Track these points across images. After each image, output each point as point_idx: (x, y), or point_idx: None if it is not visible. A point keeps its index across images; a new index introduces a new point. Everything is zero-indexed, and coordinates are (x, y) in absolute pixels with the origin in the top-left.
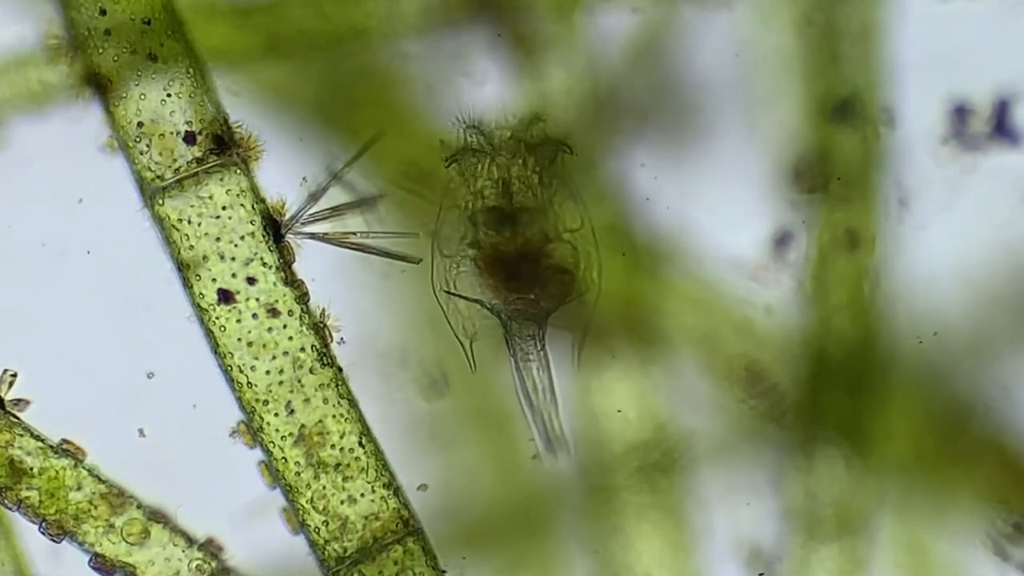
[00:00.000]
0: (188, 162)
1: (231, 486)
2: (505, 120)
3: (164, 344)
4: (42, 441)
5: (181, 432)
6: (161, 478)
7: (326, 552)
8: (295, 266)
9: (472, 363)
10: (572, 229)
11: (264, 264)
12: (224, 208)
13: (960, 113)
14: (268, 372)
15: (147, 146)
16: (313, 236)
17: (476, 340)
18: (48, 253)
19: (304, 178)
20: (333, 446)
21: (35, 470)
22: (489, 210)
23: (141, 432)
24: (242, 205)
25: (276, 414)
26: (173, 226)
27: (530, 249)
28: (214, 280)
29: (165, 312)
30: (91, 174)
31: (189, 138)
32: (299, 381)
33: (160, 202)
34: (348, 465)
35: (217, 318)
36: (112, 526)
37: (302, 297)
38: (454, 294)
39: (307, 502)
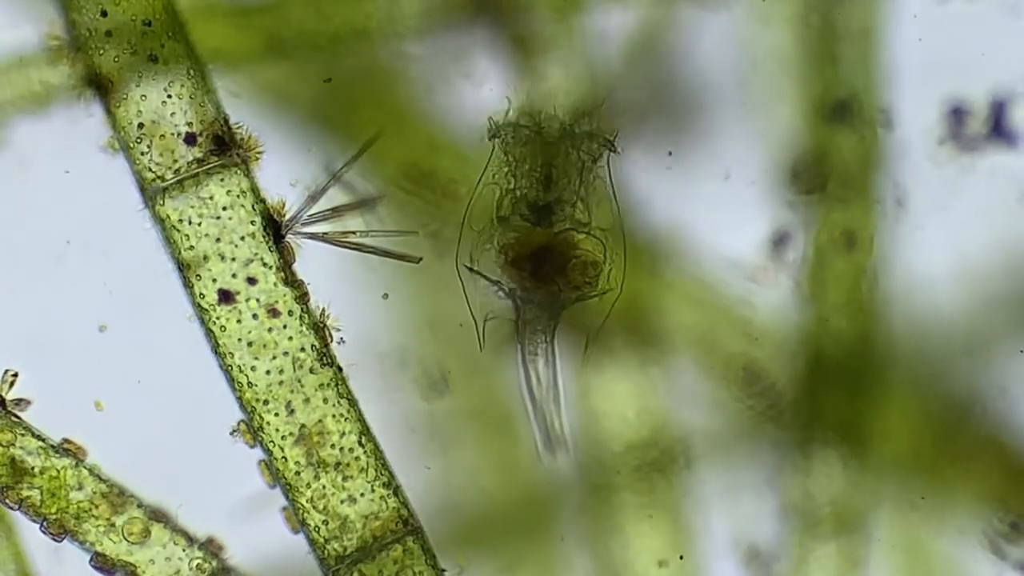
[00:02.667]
0: (189, 163)
1: (231, 486)
2: (557, 110)
3: (164, 344)
4: (43, 441)
5: (182, 432)
6: (161, 478)
7: (326, 551)
8: (295, 266)
9: (481, 342)
10: (603, 228)
11: (264, 264)
12: (224, 208)
13: (957, 114)
14: (268, 372)
15: (148, 147)
16: (313, 236)
17: (489, 320)
18: (48, 253)
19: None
20: (333, 446)
21: (36, 469)
22: (526, 197)
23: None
24: (242, 205)
25: (276, 414)
26: (173, 226)
27: (560, 239)
28: (214, 280)
29: (165, 312)
30: (91, 175)
31: (190, 139)
32: (299, 381)
33: (161, 203)
34: (348, 465)
35: (217, 318)
36: (113, 525)
37: (302, 297)
38: (475, 271)
39: (307, 501)
